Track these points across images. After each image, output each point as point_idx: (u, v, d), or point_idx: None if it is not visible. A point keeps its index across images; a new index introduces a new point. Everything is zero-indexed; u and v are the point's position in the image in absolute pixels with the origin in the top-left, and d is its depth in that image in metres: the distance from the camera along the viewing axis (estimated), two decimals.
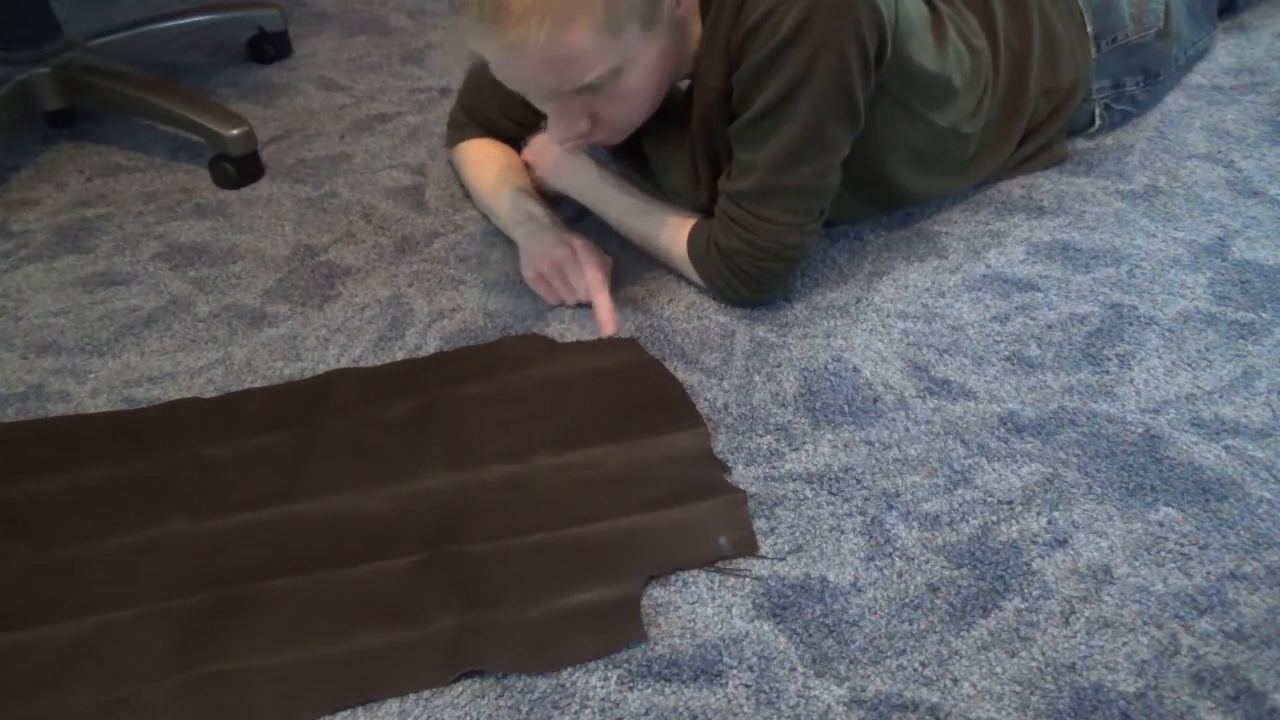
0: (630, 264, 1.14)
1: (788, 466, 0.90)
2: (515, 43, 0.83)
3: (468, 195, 1.29)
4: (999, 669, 0.74)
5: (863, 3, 0.88)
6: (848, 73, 0.90)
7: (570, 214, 1.18)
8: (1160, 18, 1.22)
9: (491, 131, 1.25)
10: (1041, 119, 1.19)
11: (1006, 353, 0.99)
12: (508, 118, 1.22)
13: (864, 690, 0.73)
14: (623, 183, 1.15)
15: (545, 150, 1.17)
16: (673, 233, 1.08)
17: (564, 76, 0.87)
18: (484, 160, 1.23)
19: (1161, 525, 0.82)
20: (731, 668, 0.75)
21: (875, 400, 0.96)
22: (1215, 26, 1.41)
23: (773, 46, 0.89)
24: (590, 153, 1.16)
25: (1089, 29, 1.17)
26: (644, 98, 0.95)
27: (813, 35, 0.88)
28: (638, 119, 0.99)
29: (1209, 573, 0.79)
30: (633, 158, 1.11)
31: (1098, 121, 1.25)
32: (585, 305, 1.09)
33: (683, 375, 1.00)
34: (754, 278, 1.02)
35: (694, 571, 0.82)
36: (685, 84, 1.01)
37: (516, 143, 1.24)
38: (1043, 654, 0.74)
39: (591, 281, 1.06)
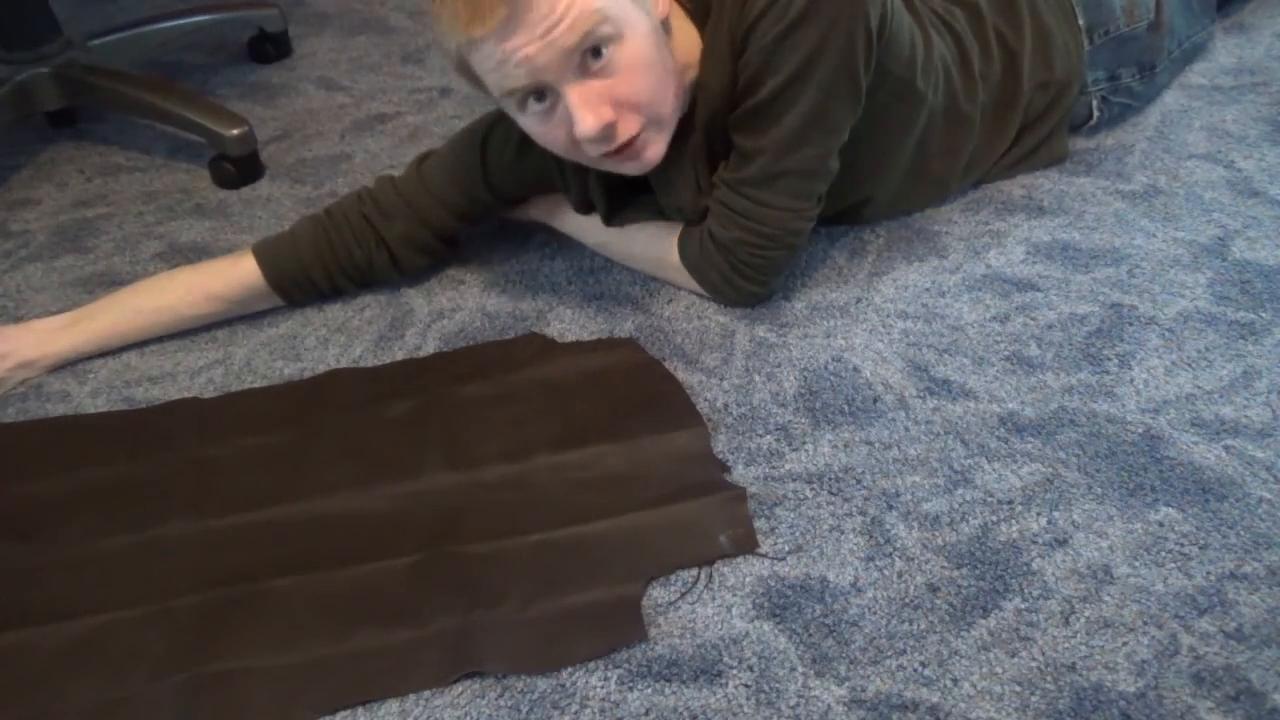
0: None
1: (788, 466, 0.90)
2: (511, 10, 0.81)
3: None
4: (999, 669, 0.74)
5: None
6: (854, 52, 0.91)
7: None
8: (1151, 10, 1.23)
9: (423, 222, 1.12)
10: (1038, 113, 1.19)
11: (1006, 353, 0.99)
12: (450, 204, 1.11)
13: (864, 690, 0.73)
14: None
15: None
16: (658, 242, 1.08)
17: (568, 30, 0.84)
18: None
19: (1161, 525, 0.82)
20: (731, 668, 0.75)
21: (875, 400, 0.96)
22: (1213, 20, 1.41)
23: (783, 27, 0.89)
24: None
25: (1080, 21, 1.18)
26: (654, 76, 0.90)
27: (822, 15, 0.89)
28: (659, 107, 0.92)
29: (1209, 573, 0.79)
30: (629, 190, 1.09)
31: (1095, 114, 1.25)
32: (585, 304, 1.09)
33: (683, 375, 1.00)
34: (755, 268, 1.02)
35: (694, 571, 0.82)
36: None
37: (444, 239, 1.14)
38: (1043, 654, 0.74)
39: None
